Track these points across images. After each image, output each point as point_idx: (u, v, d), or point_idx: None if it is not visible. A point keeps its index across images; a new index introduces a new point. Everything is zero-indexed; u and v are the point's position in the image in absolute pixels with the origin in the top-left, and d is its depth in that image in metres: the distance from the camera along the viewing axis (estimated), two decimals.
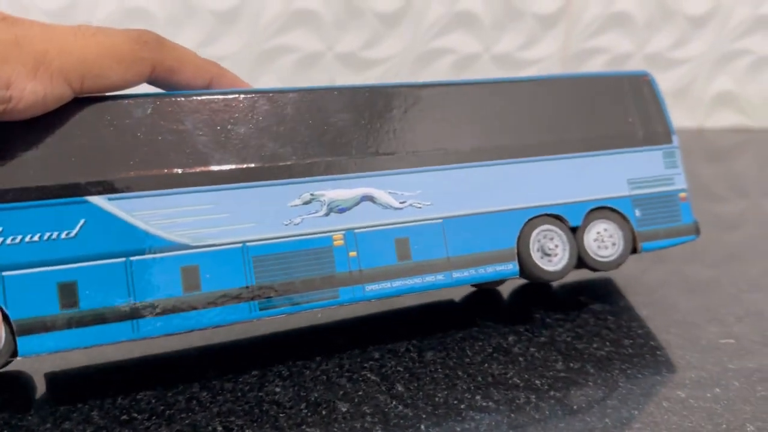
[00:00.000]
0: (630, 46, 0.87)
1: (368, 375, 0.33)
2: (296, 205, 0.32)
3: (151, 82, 0.31)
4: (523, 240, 0.36)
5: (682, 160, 0.40)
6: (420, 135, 0.35)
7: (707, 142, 0.89)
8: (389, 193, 0.33)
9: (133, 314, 0.29)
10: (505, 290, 0.43)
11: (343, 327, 0.38)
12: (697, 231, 0.40)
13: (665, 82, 0.89)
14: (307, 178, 0.32)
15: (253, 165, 0.31)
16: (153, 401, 0.31)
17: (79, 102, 0.29)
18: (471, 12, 0.82)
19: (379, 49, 0.82)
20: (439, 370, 0.33)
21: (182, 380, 0.32)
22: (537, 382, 0.32)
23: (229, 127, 0.31)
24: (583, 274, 0.44)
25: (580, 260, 0.37)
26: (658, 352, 0.35)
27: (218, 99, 0.31)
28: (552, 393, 0.31)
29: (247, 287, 0.30)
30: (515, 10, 0.83)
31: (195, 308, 0.29)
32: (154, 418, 0.30)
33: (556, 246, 0.36)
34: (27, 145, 0.28)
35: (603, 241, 0.38)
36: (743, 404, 0.30)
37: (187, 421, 0.29)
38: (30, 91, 0.27)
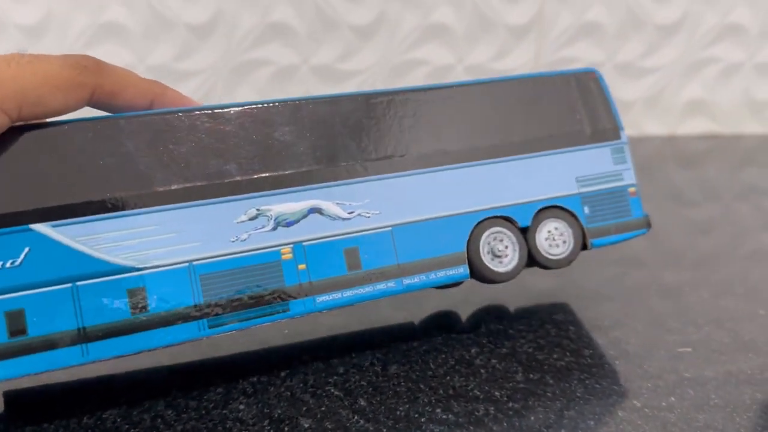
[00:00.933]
0: (601, 55, 0.88)
1: (332, 390, 0.33)
2: (242, 222, 0.32)
3: (92, 106, 0.31)
4: (473, 243, 0.36)
5: (631, 155, 0.41)
6: (365, 144, 0.35)
7: (679, 148, 0.90)
8: (337, 203, 0.34)
9: (82, 338, 0.29)
10: (472, 299, 0.43)
11: (310, 342, 0.39)
12: (648, 225, 0.40)
13: (637, 91, 0.90)
14: (252, 194, 0.32)
15: (197, 183, 0.32)
16: (118, 420, 0.31)
17: (18, 129, 0.29)
18: (444, 23, 0.83)
19: (354, 61, 0.82)
20: (402, 383, 0.34)
21: (147, 398, 0.33)
22: (497, 393, 0.33)
23: (171, 146, 0.31)
24: (547, 284, 0.45)
25: (533, 259, 0.38)
26: (617, 362, 0.36)
27: (158, 119, 0.32)
28: (511, 404, 0.32)
29: (195, 306, 0.31)
30: (487, 21, 0.84)
31: (143, 329, 0.30)
32: None
33: (506, 247, 0.37)
34: None
35: (554, 239, 0.38)
36: (697, 413, 0.31)
37: None
38: None
